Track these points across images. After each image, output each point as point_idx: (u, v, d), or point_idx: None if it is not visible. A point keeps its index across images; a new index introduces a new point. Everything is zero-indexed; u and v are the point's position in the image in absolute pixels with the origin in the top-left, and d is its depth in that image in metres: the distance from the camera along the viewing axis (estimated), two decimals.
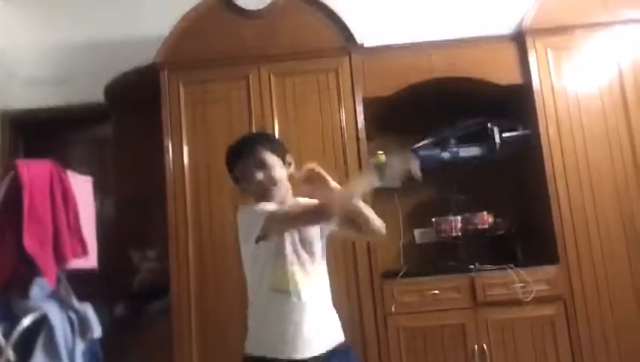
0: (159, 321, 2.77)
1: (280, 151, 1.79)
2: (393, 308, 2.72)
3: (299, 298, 1.69)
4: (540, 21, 2.97)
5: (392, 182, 1.76)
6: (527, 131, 2.99)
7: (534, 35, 2.96)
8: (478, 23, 3.24)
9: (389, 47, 3.05)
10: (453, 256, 3.06)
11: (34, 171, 2.19)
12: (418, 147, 3.09)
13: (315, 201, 1.72)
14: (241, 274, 1.88)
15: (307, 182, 1.75)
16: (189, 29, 2.97)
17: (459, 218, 3.00)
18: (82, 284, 2.36)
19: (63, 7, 3.56)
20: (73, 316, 2.21)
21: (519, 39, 2.99)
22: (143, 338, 2.81)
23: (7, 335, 2.03)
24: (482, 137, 3.05)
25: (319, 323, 1.72)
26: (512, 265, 2.75)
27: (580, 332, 2.71)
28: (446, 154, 3.06)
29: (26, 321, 2.06)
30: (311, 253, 1.77)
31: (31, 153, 3.40)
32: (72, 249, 2.21)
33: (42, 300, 2.16)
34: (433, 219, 3.06)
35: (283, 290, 1.70)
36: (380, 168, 1.85)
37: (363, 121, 2.88)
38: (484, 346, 2.68)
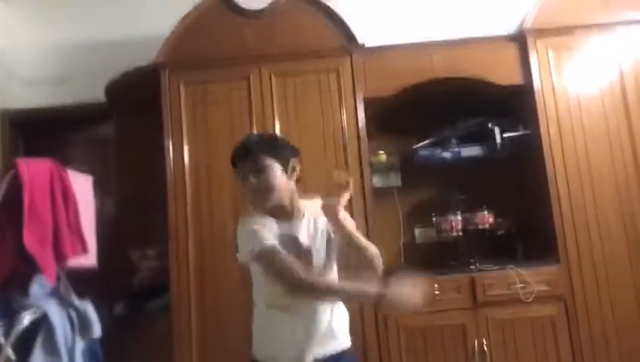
0: (159, 320, 2.76)
1: (282, 155, 1.74)
2: None
3: (299, 311, 1.69)
4: (541, 21, 2.97)
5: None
6: (528, 131, 2.99)
7: (535, 36, 2.97)
8: (480, 23, 3.25)
9: (390, 47, 3.05)
10: (453, 256, 3.05)
11: (34, 170, 2.19)
12: (419, 147, 3.09)
13: (296, 264, 1.62)
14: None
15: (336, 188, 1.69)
16: (189, 29, 2.97)
17: (459, 217, 2.99)
18: (82, 283, 2.36)
19: (63, 7, 3.56)
20: (73, 314, 2.22)
21: (520, 39, 3.00)
22: (143, 337, 2.80)
23: (6, 333, 2.03)
24: (483, 137, 3.05)
25: (322, 332, 1.71)
26: (512, 265, 2.75)
27: (580, 332, 2.71)
28: (447, 154, 3.06)
29: (26, 320, 2.06)
30: (311, 263, 1.74)
31: (31, 153, 3.38)
32: (72, 247, 2.21)
33: (42, 298, 2.16)
34: (434, 219, 3.06)
35: (283, 305, 1.69)
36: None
37: (364, 120, 2.88)
38: (485, 346, 2.68)
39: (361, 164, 2.83)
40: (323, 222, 1.76)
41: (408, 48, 3.04)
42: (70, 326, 2.17)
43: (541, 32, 2.97)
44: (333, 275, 1.80)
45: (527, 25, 2.97)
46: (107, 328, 2.37)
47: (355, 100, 2.90)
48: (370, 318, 2.70)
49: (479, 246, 3.03)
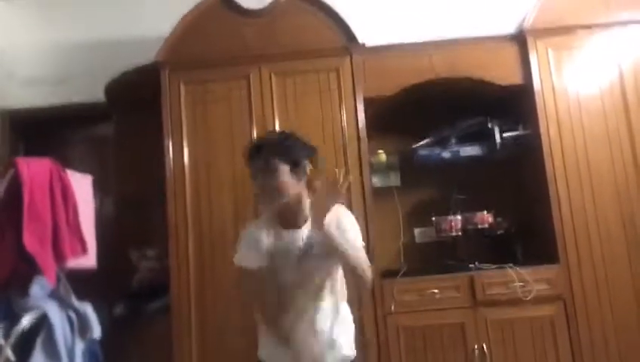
0: (159, 320, 2.76)
1: (293, 157, 1.74)
2: (393, 307, 2.72)
3: (299, 319, 1.72)
4: (541, 21, 2.97)
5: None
6: (527, 131, 2.99)
7: (535, 35, 2.96)
8: (479, 23, 3.24)
9: (390, 47, 3.04)
10: (453, 256, 3.06)
11: (34, 169, 2.19)
12: (418, 146, 3.09)
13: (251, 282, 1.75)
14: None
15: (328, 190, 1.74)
16: (189, 29, 2.97)
17: (459, 217, 2.99)
18: (82, 284, 2.35)
19: (63, 6, 3.56)
20: (73, 315, 2.21)
21: (520, 39, 2.99)
22: (143, 338, 2.80)
23: (6, 335, 2.03)
24: (483, 137, 3.05)
25: (322, 340, 1.72)
26: (511, 265, 2.75)
27: (579, 332, 2.71)
28: (446, 154, 3.06)
29: (26, 321, 2.06)
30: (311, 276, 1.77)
31: (31, 153, 3.38)
32: (71, 247, 2.21)
33: (42, 299, 2.15)
34: (433, 219, 3.06)
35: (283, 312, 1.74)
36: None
37: (364, 120, 2.88)
38: (484, 346, 2.68)
39: (360, 163, 2.83)
40: (322, 233, 1.74)
41: (408, 48, 3.03)
42: (70, 327, 2.17)
43: (541, 32, 2.96)
44: (329, 285, 1.81)
45: (527, 25, 2.97)
46: (107, 329, 2.36)
47: (355, 100, 2.90)
48: (369, 317, 2.70)
49: (479, 246, 3.03)
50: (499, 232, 3.03)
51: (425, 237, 3.24)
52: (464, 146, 3.06)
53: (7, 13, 3.55)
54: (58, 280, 2.21)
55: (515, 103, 3.08)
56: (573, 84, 2.93)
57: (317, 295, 1.76)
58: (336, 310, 1.79)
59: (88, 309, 2.27)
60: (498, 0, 3.38)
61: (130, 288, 3.02)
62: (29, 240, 2.08)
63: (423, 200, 3.27)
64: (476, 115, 3.08)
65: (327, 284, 1.79)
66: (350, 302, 1.92)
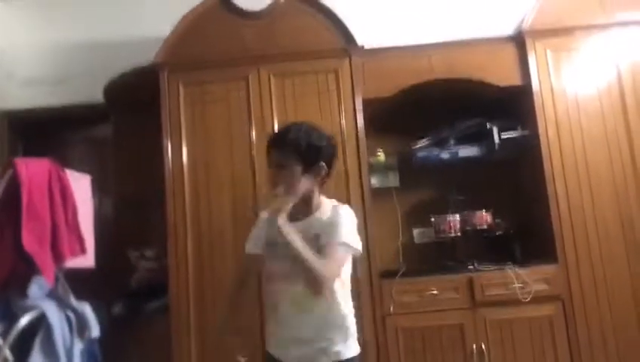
0: (157, 320, 2.76)
1: (309, 157, 1.72)
2: (392, 308, 2.72)
3: (296, 312, 1.72)
4: (540, 22, 2.98)
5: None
6: (526, 132, 2.99)
7: (534, 37, 2.97)
8: (478, 25, 3.25)
9: (389, 48, 3.05)
10: (451, 256, 3.06)
11: (32, 169, 2.18)
12: (417, 147, 3.10)
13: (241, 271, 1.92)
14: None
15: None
16: (188, 30, 2.97)
17: (458, 217, 3.00)
18: (80, 283, 2.35)
19: (63, 7, 3.56)
20: (71, 315, 2.21)
21: (519, 40, 3.00)
22: (142, 338, 2.79)
23: (5, 334, 2.02)
24: (481, 138, 3.05)
25: (320, 336, 1.71)
26: (510, 265, 2.76)
27: (578, 332, 2.72)
28: (445, 154, 3.07)
29: (24, 321, 2.06)
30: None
31: (30, 153, 3.38)
32: (70, 247, 2.20)
33: (41, 299, 2.15)
34: (432, 219, 3.06)
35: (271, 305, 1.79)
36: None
37: (362, 121, 2.89)
38: (483, 346, 2.68)
39: (359, 164, 2.84)
40: (319, 226, 1.73)
41: (407, 49, 3.04)
42: (68, 327, 2.17)
43: (539, 33, 2.97)
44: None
45: (526, 26, 2.98)
46: (105, 329, 2.36)
47: (353, 101, 2.90)
48: (368, 318, 2.70)
49: (477, 246, 3.04)
50: (498, 233, 3.04)
51: (424, 237, 3.25)
52: (463, 147, 3.07)
53: (6, 13, 3.55)
54: (57, 280, 2.21)
55: (513, 104, 3.09)
56: (571, 85, 2.94)
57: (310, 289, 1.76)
58: (331, 306, 1.78)
59: (87, 309, 2.27)
60: (497, 1, 3.39)
61: (129, 288, 3.02)
62: (28, 240, 2.08)
63: (422, 201, 3.27)
64: (475, 115, 3.09)
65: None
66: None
